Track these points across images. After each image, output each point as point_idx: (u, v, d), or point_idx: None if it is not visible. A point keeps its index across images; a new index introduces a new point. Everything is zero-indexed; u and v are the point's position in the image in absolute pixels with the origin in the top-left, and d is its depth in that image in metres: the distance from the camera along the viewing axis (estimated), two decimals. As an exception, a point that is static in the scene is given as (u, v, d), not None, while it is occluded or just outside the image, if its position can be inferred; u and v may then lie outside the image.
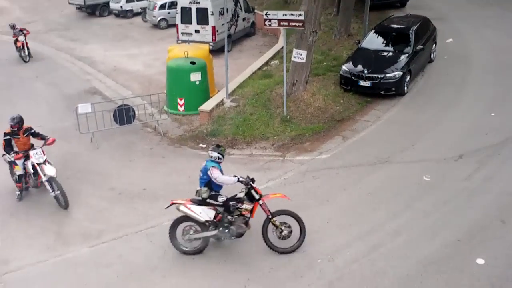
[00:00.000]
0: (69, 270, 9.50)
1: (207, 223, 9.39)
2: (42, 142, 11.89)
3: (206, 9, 23.56)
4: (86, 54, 25.65)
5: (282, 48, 16.75)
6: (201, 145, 14.47)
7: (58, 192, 11.38)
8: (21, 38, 24.12)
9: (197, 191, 9.43)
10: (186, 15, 24.05)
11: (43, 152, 11.62)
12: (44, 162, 11.46)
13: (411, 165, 12.17)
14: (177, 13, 24.57)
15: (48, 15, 36.34)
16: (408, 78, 16.16)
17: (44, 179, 11.32)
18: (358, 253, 9.23)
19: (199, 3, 23.73)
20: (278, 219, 9.36)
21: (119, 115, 14.95)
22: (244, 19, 26.65)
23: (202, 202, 9.31)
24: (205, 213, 9.30)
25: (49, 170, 11.34)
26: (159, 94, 16.17)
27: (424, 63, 17.97)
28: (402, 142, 13.28)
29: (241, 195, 9.42)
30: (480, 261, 8.79)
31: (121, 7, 34.23)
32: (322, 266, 9.01)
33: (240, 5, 26.19)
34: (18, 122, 11.54)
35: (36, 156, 11.49)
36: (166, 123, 15.96)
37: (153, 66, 22.65)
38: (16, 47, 24.43)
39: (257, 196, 9.31)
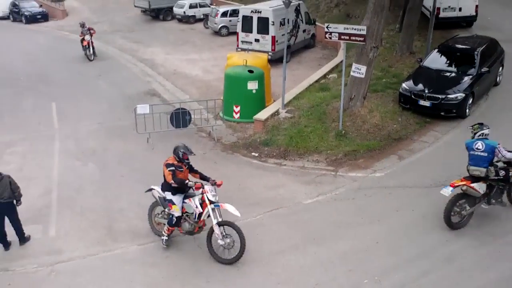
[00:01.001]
0: (116, 266, 9.71)
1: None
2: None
3: (267, 18, 23.68)
4: (148, 56, 26.32)
5: (341, 61, 16.60)
6: (253, 153, 14.50)
7: (232, 241, 9.47)
8: (87, 37, 25.07)
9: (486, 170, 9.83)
10: (247, 23, 24.26)
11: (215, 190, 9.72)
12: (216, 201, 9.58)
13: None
14: (238, 21, 24.85)
15: (114, 17, 37.58)
16: (470, 101, 15.63)
17: (214, 221, 9.42)
18: (407, 277, 8.96)
19: (260, 12, 23.89)
20: None
21: (175, 118, 15.23)
22: (304, 31, 26.60)
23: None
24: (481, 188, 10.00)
25: (232, 209, 9.48)
26: (216, 100, 16.36)
27: (489, 86, 17.35)
28: (460, 166, 12.69)
29: None
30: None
31: (184, 12, 34.92)
32: (368, 287, 8.80)
33: (301, 16, 26.18)
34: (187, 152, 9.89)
35: (211, 192, 9.57)
36: (220, 129, 16.12)
37: (212, 72, 22.96)
38: (82, 45, 25.42)
39: None
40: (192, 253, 9.97)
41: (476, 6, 24.42)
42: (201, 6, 35.58)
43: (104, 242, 10.46)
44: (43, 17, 38.22)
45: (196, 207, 9.65)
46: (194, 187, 9.56)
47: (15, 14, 38.86)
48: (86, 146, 15.09)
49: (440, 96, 15.25)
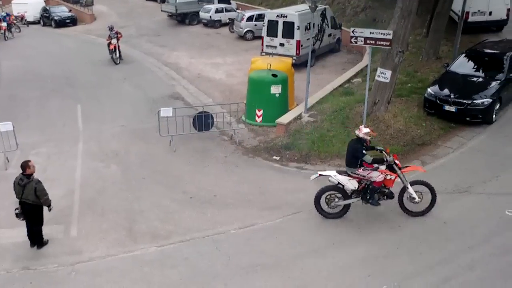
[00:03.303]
0: (135, 267, 9.76)
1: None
2: None
3: (292, 23, 23.66)
4: (173, 60, 26.56)
5: (366, 66, 16.45)
6: (274, 157, 14.46)
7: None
8: (113, 41, 25.45)
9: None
10: (272, 28, 24.28)
11: None
12: None
13: (493, 198, 11.45)
14: (263, 25, 24.90)
15: (141, 21, 38.09)
16: (497, 106, 15.29)
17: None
18: (427, 284, 8.79)
19: (286, 17, 23.89)
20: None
21: (198, 121, 15.30)
22: (330, 35, 26.51)
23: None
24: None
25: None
26: (239, 104, 16.38)
27: (516, 92, 16.97)
28: (485, 173, 12.54)
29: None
30: None
31: (210, 16, 35.18)
32: (388, 293, 8.68)
33: (327, 21, 26.09)
34: None
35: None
36: (242, 133, 16.13)
37: (236, 76, 23.03)
38: (109, 49, 25.81)
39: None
40: (210, 255, 9.96)
41: (508, 10, 23.83)
42: (227, 10, 35.80)
43: (124, 243, 10.53)
44: (72, 21, 39.04)
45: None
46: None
47: (45, 18, 39.87)
48: (109, 148, 15.26)
49: (466, 101, 14.97)
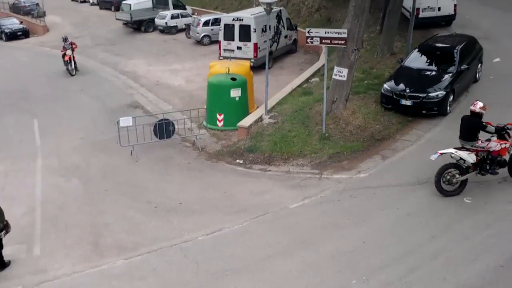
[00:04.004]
0: (103, 281, 9.61)
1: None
2: None
3: (249, 26, 23.74)
4: (130, 68, 26.27)
5: (323, 65, 16.66)
6: (238, 160, 14.48)
7: None
8: (68, 52, 24.99)
9: None
10: (229, 32, 24.31)
11: None
12: None
13: (452, 187, 11.81)
14: (220, 29, 24.89)
15: (96, 30, 37.51)
16: (451, 98, 15.74)
17: None
18: (394, 275, 8.96)
19: (242, 20, 23.96)
20: None
21: (159, 129, 15.17)
22: (286, 36, 26.71)
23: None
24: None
25: None
26: (199, 109, 16.35)
27: (468, 83, 17.48)
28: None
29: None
30: (525, 289, 8.40)
31: (166, 23, 34.91)
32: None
33: (283, 22, 26.28)
34: None
35: None
36: (204, 138, 16.09)
37: (195, 81, 22.96)
38: (64, 60, 25.33)
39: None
40: (179, 264, 9.90)
41: (455, 6, 24.65)
42: (182, 16, 35.61)
43: (90, 258, 10.35)
44: (24, 33, 38.00)
45: None
46: None
47: (-5, 32, 38.62)
48: (69, 162, 14.99)
49: (421, 95, 15.34)
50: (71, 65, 25.10)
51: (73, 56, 25.16)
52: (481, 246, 9.56)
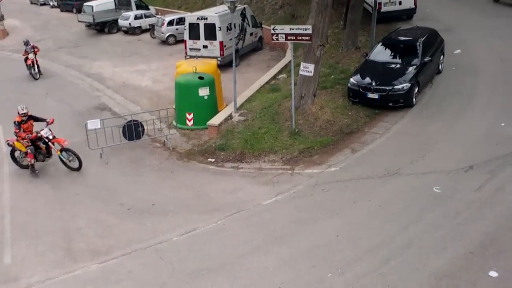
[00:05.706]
0: (78, 287, 9.48)
1: None
2: None
3: (213, 24, 23.70)
4: (95, 70, 25.85)
5: (290, 62, 16.77)
6: (209, 159, 14.47)
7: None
8: (31, 56, 24.41)
9: None
10: (194, 31, 24.22)
11: None
12: None
13: (421, 177, 12.07)
14: (185, 29, 24.77)
15: (58, 33, 36.74)
16: (416, 90, 16.09)
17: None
18: (369, 267, 9.12)
19: (207, 19, 23.89)
20: None
21: (128, 131, 15.01)
22: (251, 34, 26.76)
23: None
24: None
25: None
26: (168, 109, 16.24)
27: (432, 75, 17.89)
28: (411, 154, 13.18)
29: None
30: (493, 273, 8.65)
31: (130, 24, 34.49)
32: (332, 281, 8.90)
33: (247, 20, 26.32)
34: None
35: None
36: (175, 138, 16.00)
37: (162, 81, 22.78)
38: (26, 64, 24.72)
39: None
40: (154, 266, 9.84)
41: (415, -1, 25.25)
42: (146, 16, 35.20)
43: (63, 264, 10.18)
44: (-18, 38, 36.99)
45: None
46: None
47: (-48, 37, 37.46)
48: (37, 166, 14.68)
49: (387, 88, 15.64)
50: (34, 69, 24.53)
51: (36, 60, 24.58)
52: (451, 234, 9.82)
